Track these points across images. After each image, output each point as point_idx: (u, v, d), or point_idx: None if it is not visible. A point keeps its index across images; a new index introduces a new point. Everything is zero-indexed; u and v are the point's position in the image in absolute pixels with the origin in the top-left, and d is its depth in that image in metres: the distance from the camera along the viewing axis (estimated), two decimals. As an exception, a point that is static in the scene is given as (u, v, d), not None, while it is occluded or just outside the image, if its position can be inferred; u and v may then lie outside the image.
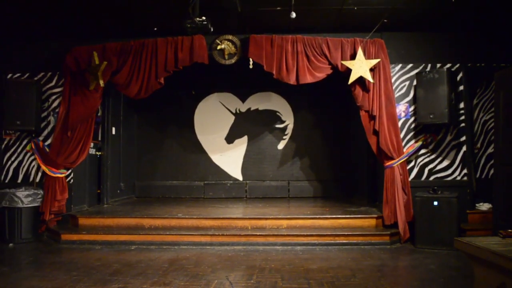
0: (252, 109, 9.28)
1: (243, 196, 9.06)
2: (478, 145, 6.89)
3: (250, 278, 4.25)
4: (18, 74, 7.00)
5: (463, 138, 6.42)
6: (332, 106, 7.75)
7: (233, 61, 6.67)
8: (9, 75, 6.98)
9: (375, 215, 6.15)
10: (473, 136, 6.82)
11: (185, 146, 9.41)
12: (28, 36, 6.85)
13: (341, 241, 5.68)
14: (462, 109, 6.45)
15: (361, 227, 6.03)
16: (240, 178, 9.28)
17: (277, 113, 9.16)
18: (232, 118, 9.32)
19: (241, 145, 9.27)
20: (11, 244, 5.93)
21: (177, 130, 9.44)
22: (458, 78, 6.48)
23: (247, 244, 5.68)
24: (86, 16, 6.13)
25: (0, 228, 6.16)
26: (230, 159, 9.30)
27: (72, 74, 6.66)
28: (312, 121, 9.16)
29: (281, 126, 9.18)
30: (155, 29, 6.52)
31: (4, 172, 6.90)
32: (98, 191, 7.77)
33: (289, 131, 9.19)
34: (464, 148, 6.41)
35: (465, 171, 6.39)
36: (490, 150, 6.77)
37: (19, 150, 6.90)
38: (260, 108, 9.25)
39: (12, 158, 6.90)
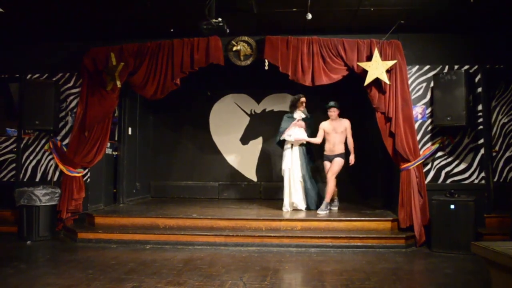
0: (267, 110, 9.28)
1: (258, 197, 9.06)
2: (496, 148, 6.79)
3: (264, 279, 4.24)
4: (37, 75, 7.12)
5: (481, 141, 6.32)
6: (347, 108, 7.71)
7: (248, 62, 6.68)
8: (29, 76, 7.11)
9: (391, 218, 6.09)
10: (491, 139, 6.72)
11: (200, 146, 9.46)
12: (47, 37, 6.96)
13: (355, 244, 5.64)
14: (480, 111, 6.34)
15: (376, 229, 5.98)
16: (254, 179, 9.29)
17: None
18: (247, 119, 9.34)
19: (256, 146, 9.28)
20: (28, 242, 6.03)
21: (193, 130, 9.50)
22: (476, 80, 6.39)
23: (261, 245, 5.68)
24: (104, 17, 6.20)
25: (18, 226, 6.28)
26: (245, 160, 9.32)
27: (90, 75, 6.75)
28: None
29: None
30: (172, 30, 6.56)
31: (23, 171, 7.02)
32: (114, 190, 7.85)
33: (304, 132, 9.16)
34: (482, 151, 6.31)
35: (482, 174, 6.29)
36: (508, 153, 6.66)
37: (37, 149, 7.02)
38: (275, 109, 9.24)
39: (31, 157, 7.02)
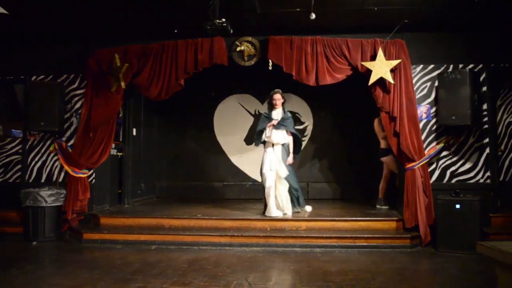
0: (271, 110, 9.27)
1: (262, 198, 9.02)
2: (502, 147, 6.76)
3: (269, 279, 4.25)
4: (42, 76, 7.14)
5: (486, 140, 6.29)
6: (352, 107, 7.71)
7: (252, 62, 6.69)
8: (33, 77, 7.13)
9: (396, 218, 6.08)
10: (497, 138, 6.69)
11: (204, 147, 9.47)
12: (51, 39, 6.99)
13: (361, 244, 5.63)
14: (485, 110, 6.32)
15: (381, 229, 5.97)
16: (259, 179, 9.25)
17: (296, 115, 9.12)
18: (251, 119, 9.34)
19: (260, 146, 9.25)
20: (34, 242, 6.05)
21: (197, 131, 9.52)
22: (481, 79, 6.36)
23: (266, 246, 5.67)
24: (108, 18, 6.22)
25: (24, 227, 6.31)
26: (249, 160, 9.29)
27: (94, 76, 6.76)
28: (331, 122, 9.12)
29: (300, 127, 9.13)
30: (175, 31, 6.57)
31: (28, 172, 7.05)
32: (119, 191, 7.87)
33: (308, 132, 9.16)
34: (487, 151, 6.28)
35: (488, 173, 6.26)
36: (514, 152, 6.63)
37: (42, 150, 7.05)
38: (279, 110, 9.23)
39: (36, 158, 7.05)
